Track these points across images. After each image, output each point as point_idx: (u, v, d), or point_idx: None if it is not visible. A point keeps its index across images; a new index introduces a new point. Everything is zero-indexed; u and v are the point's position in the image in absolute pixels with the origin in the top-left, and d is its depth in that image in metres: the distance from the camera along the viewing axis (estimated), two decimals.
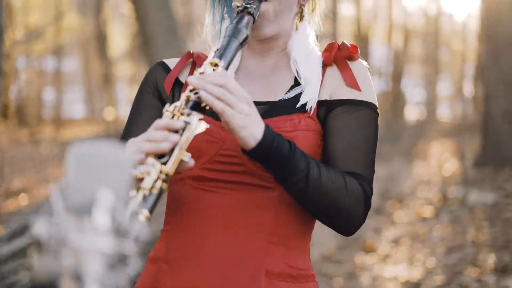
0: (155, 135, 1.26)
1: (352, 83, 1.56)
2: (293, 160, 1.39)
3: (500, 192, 8.36)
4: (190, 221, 1.51)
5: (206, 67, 1.38)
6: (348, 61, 1.60)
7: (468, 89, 21.87)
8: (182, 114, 1.31)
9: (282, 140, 1.39)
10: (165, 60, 1.73)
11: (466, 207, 7.53)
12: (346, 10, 25.37)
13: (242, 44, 1.44)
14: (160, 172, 1.20)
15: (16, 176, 10.48)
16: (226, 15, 1.65)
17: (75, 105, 21.44)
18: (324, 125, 1.55)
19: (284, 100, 1.56)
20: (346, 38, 25.12)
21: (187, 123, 1.28)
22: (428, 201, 8.11)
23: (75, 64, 22.30)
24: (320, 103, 1.56)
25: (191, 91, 1.33)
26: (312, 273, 1.58)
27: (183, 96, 1.34)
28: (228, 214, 1.49)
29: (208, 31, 1.69)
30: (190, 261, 1.50)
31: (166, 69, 1.68)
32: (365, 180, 1.51)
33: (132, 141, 1.30)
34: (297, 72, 1.58)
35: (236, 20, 1.46)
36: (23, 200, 8.90)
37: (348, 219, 1.50)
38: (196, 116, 1.30)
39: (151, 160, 1.21)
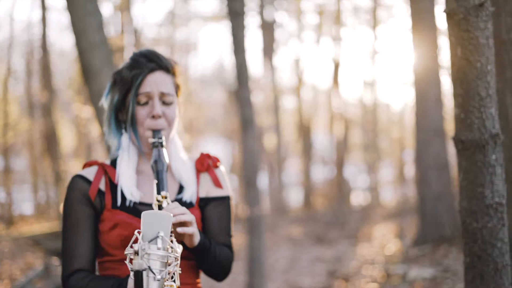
0: None
1: (218, 184, 2.42)
2: (211, 247, 2.23)
3: (438, 267, 8.96)
4: None
5: (160, 200, 2.07)
6: (214, 168, 2.45)
7: (409, 173, 22.73)
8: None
9: (204, 236, 2.23)
10: (80, 173, 2.31)
11: (407, 282, 8.08)
12: (287, 103, 26.43)
13: (166, 171, 2.17)
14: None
15: None
16: (122, 131, 2.36)
17: (25, 203, 21.56)
18: (204, 211, 2.37)
19: (178, 199, 2.32)
20: (288, 128, 26.07)
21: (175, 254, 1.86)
22: (372, 279, 8.62)
23: (24, 162, 22.56)
24: (201, 199, 2.37)
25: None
26: None
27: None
28: None
29: (110, 141, 2.40)
30: None
31: (86, 180, 2.27)
32: (230, 247, 2.40)
33: None
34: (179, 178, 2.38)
35: (158, 155, 2.17)
36: None
37: (224, 272, 2.36)
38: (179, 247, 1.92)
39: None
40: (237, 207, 17.08)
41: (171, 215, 1.64)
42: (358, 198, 23.72)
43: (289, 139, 26.23)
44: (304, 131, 22.07)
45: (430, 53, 9.80)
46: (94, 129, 19.95)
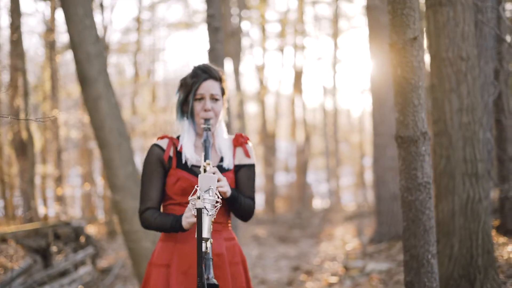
0: None
1: (247, 155, 3.40)
2: (238, 198, 3.23)
3: (393, 262, 9.66)
4: (188, 231, 3.14)
5: (205, 165, 3.02)
6: (245, 144, 3.43)
7: (369, 178, 23.55)
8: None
9: (235, 190, 3.15)
10: (157, 143, 3.37)
11: (364, 274, 8.77)
12: (251, 109, 27.12)
13: (211, 147, 3.17)
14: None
15: None
16: (185, 118, 3.39)
17: None
18: (237, 174, 3.35)
19: (220, 165, 3.26)
20: (252, 134, 26.75)
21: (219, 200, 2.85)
22: (333, 272, 9.32)
23: None
24: (236, 165, 3.37)
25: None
26: (235, 236, 3.32)
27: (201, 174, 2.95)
28: None
29: (176, 126, 3.43)
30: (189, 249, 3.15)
31: (161, 148, 3.33)
32: (253, 199, 3.37)
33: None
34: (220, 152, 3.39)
35: (206, 135, 3.21)
36: None
37: (248, 216, 3.34)
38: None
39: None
40: None
41: (217, 176, 2.62)
42: (319, 202, 24.44)
43: (252, 144, 26.77)
44: (268, 137, 22.69)
45: (387, 63, 10.41)
46: (74, 133, 20.37)
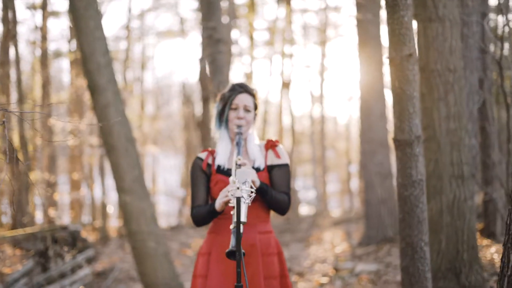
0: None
1: (278, 156, 3.83)
2: (268, 189, 3.48)
3: (381, 264, 9.97)
4: (226, 224, 3.56)
5: (237, 160, 3.49)
6: (275, 147, 3.87)
7: (355, 185, 23.95)
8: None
9: (263, 183, 3.52)
10: (199, 155, 3.94)
11: (354, 275, 9.11)
12: None
13: (242, 146, 3.64)
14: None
15: None
16: (222, 127, 3.92)
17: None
18: (270, 174, 3.78)
19: (252, 167, 3.64)
20: None
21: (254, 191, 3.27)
22: (323, 273, 9.65)
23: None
24: (268, 166, 3.81)
25: (237, 167, 3.41)
26: (272, 230, 3.73)
27: (233, 169, 3.42)
28: None
29: (215, 134, 3.92)
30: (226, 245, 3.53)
31: (201, 159, 3.88)
32: (288, 194, 3.78)
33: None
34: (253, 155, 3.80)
35: (238, 138, 3.75)
36: None
37: (284, 210, 3.77)
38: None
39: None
40: None
41: (254, 171, 3.19)
42: (306, 209, 24.75)
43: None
44: None
45: (376, 73, 10.80)
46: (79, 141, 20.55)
